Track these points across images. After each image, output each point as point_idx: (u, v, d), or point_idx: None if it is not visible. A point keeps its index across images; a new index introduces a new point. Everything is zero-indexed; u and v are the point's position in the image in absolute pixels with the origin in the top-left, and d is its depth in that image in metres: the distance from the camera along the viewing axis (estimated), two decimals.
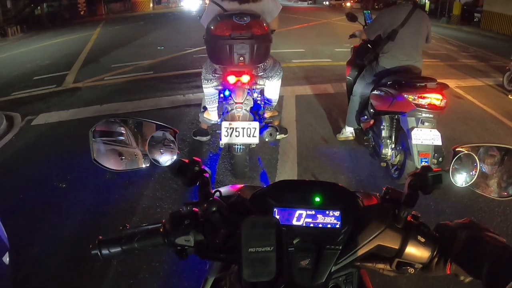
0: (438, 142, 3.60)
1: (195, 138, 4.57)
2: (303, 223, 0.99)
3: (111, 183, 4.11)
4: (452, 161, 0.98)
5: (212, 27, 3.72)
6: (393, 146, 4.07)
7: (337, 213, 0.98)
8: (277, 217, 0.98)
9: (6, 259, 2.27)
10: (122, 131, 1.10)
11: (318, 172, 4.33)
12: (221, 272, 1.13)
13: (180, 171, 1.08)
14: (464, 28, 17.93)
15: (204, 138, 4.55)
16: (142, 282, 2.86)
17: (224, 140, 3.58)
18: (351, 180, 4.20)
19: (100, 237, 0.99)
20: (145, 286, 2.83)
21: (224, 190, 1.11)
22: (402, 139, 3.92)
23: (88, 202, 3.81)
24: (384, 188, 1.07)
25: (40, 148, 5.21)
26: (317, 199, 1.01)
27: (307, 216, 0.99)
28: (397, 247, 0.95)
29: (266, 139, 3.84)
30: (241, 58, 3.63)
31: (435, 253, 0.93)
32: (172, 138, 1.07)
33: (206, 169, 1.10)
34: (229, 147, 3.79)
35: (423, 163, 3.59)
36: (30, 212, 3.67)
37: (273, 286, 0.90)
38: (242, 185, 1.16)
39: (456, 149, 1.00)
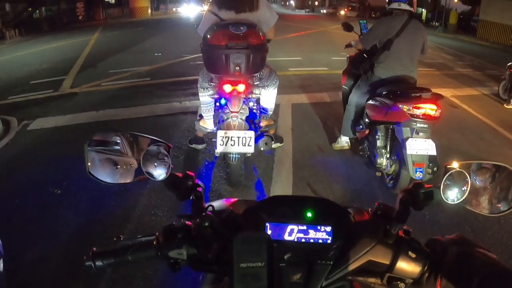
0: (433, 152, 3.61)
1: (190, 146, 4.57)
2: (294, 238, 0.99)
3: (106, 190, 4.08)
4: (443, 178, 0.99)
5: (208, 36, 3.73)
6: (388, 156, 4.08)
7: (328, 229, 0.99)
8: (269, 232, 0.99)
9: (0, 265, 2.27)
10: (118, 141, 1.11)
11: (313, 181, 4.33)
12: (214, 283, 1.13)
13: (174, 185, 1.09)
14: (460, 37, 18.04)
15: (200, 146, 4.55)
16: None
17: (219, 149, 3.58)
18: (346, 189, 4.21)
19: (94, 248, 0.99)
20: None
21: (217, 204, 1.12)
22: (397, 149, 3.93)
23: (83, 209, 3.80)
24: (376, 204, 1.07)
25: (36, 153, 5.20)
26: (309, 214, 1.01)
27: (299, 231, 0.99)
28: (388, 263, 0.95)
29: (262, 148, 3.84)
30: (237, 68, 3.64)
31: (425, 268, 0.93)
32: (166, 153, 1.08)
33: (200, 183, 1.11)
34: (225, 155, 3.79)
35: (417, 173, 3.61)
36: (25, 218, 3.65)
37: None
38: (235, 199, 1.16)
39: (448, 166, 1.01)
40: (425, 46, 4.44)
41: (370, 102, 4.24)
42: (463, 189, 1.00)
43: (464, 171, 1.00)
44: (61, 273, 3.00)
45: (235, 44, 3.59)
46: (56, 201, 3.94)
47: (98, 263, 0.98)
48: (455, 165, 1.02)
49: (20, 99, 7.62)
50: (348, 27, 5.09)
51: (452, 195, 1.01)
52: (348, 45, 5.10)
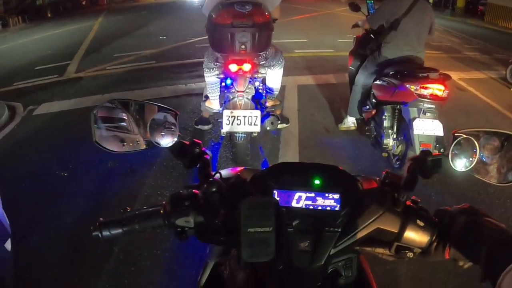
0: (440, 132, 3.59)
1: (196, 127, 4.57)
2: (302, 206, 0.99)
3: (112, 172, 4.12)
4: (451, 145, 0.98)
5: (213, 16, 3.72)
6: (394, 136, 4.07)
7: (336, 196, 0.99)
8: (277, 199, 0.99)
9: (8, 245, 2.29)
10: (123, 116, 1.11)
11: (319, 161, 4.31)
12: (221, 256, 1.13)
13: (181, 152, 1.09)
14: (468, 21, 17.77)
15: (206, 127, 4.55)
16: (143, 269, 2.87)
17: (225, 129, 3.58)
18: (352, 170, 4.15)
19: (101, 219, 1.00)
20: (146, 273, 2.84)
21: (224, 172, 1.12)
22: (404, 129, 3.91)
23: (90, 191, 3.83)
24: (384, 172, 1.07)
25: (42, 137, 5.22)
26: (317, 181, 1.01)
27: (307, 198, 0.99)
28: (396, 231, 0.95)
29: (268, 128, 3.84)
30: (243, 46, 3.63)
31: (434, 237, 0.93)
32: (174, 120, 1.08)
33: (207, 151, 1.11)
34: (231, 135, 3.79)
35: None
36: (31, 201, 3.69)
37: (272, 267, 0.91)
38: (242, 168, 1.16)
39: (456, 134, 1.00)
40: (433, 27, 4.39)
41: (377, 82, 4.22)
42: (471, 158, 0.99)
43: (473, 139, 0.98)
44: (67, 254, 3.04)
45: (240, 22, 3.57)
46: (63, 184, 3.97)
47: (105, 233, 0.98)
48: (463, 132, 1.00)
49: (25, 85, 7.62)
50: (355, 7, 5.04)
51: (460, 164, 1.00)
52: (355, 25, 5.04)
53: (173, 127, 1.07)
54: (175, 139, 1.07)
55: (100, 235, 0.98)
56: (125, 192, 3.78)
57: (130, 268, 2.88)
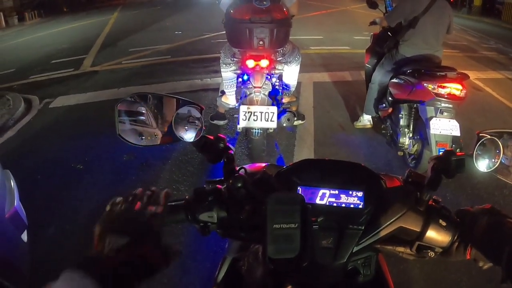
0: (457, 132, 3.55)
1: (212, 122, 4.58)
2: (326, 202, 1.00)
3: (128, 165, 4.15)
4: (475, 146, 0.98)
5: (231, 11, 3.72)
6: (410, 135, 4.04)
7: (360, 194, 0.99)
8: (303, 195, 0.99)
9: (24, 236, 2.33)
10: (143, 111, 1.10)
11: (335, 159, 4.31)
12: (240, 252, 1.13)
13: (205, 147, 1.09)
14: (485, 20, 17.55)
15: (222, 122, 4.56)
16: None
17: (242, 124, 3.59)
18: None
19: None
20: None
21: (247, 168, 1.12)
22: (420, 128, 3.88)
23: (105, 183, 3.86)
24: (407, 171, 1.07)
25: (57, 130, 5.27)
26: (341, 179, 1.01)
27: (331, 195, 1.00)
28: (418, 230, 0.95)
29: (284, 124, 3.83)
30: (261, 42, 3.63)
31: (455, 237, 0.93)
32: (199, 115, 1.07)
33: (231, 146, 1.11)
34: (247, 131, 3.79)
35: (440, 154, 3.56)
36: (47, 193, 3.73)
37: (295, 264, 0.91)
38: (266, 164, 1.16)
39: (480, 134, 1.00)
40: (451, 26, 4.34)
41: (394, 80, 4.19)
42: (494, 159, 0.98)
43: (497, 139, 0.98)
44: (82, 246, 3.04)
45: (258, 18, 3.57)
46: (78, 176, 4.01)
47: None
48: (487, 133, 1.00)
49: (41, 78, 7.69)
50: (372, 4, 5.00)
51: (484, 164, 0.99)
52: (373, 23, 5.01)
53: (197, 121, 1.07)
54: (200, 134, 1.06)
55: None
56: (140, 185, 3.74)
57: None
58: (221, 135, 1.11)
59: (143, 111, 1.10)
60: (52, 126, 5.40)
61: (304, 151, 4.45)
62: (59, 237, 3.15)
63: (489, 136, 0.99)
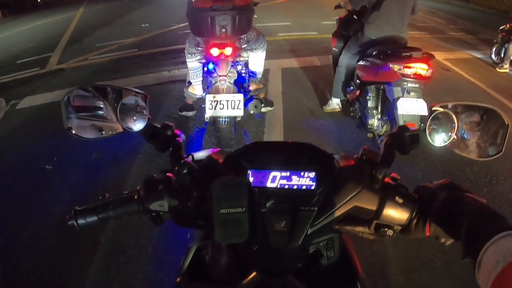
0: (424, 112, 3.58)
1: (180, 113, 4.53)
2: (277, 185, 0.98)
3: (97, 163, 4.09)
4: (428, 120, 0.95)
5: (193, 0, 3.67)
6: (379, 116, 4.07)
7: (312, 174, 0.97)
8: (251, 179, 0.97)
9: None
10: (96, 102, 1.06)
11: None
12: (203, 241, 1.11)
13: (153, 136, 1.06)
14: (452, 1, 17.82)
15: (190, 113, 4.52)
16: (131, 258, 2.87)
17: (208, 113, 3.55)
18: (338, 151, 4.19)
19: (76, 207, 0.98)
20: (134, 262, 2.84)
21: (198, 154, 1.09)
22: (388, 109, 3.91)
23: (76, 183, 3.79)
24: (361, 150, 1.04)
25: (26, 131, 5.16)
26: (292, 160, 0.99)
27: (282, 177, 0.98)
28: (374, 208, 0.93)
29: (251, 112, 3.82)
30: (223, 30, 3.59)
31: (414, 214, 0.91)
32: (144, 104, 1.04)
33: (180, 133, 1.08)
34: (214, 120, 3.75)
35: None
36: (18, 196, 3.66)
37: (248, 248, 0.89)
38: (217, 149, 1.14)
39: (433, 108, 0.97)
40: (416, 7, 4.36)
41: (361, 63, 4.21)
42: (450, 131, 0.96)
43: (451, 113, 0.96)
44: (56, 248, 3.02)
45: (220, 6, 3.54)
46: (48, 177, 3.93)
47: (81, 221, 0.97)
48: (441, 106, 0.98)
49: (7, 79, 7.50)
50: None
51: (439, 139, 0.97)
52: (338, 6, 5.02)
53: (144, 110, 1.04)
54: (146, 122, 1.04)
55: (75, 223, 0.97)
56: (111, 182, 3.75)
57: (118, 258, 2.87)
58: (169, 123, 1.08)
59: (100, 104, 1.06)
60: (20, 127, 5.28)
61: (273, 137, 4.45)
62: (32, 241, 3.09)
63: (442, 110, 0.97)
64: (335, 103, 5.02)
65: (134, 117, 1.04)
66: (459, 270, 2.66)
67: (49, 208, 3.43)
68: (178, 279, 1.04)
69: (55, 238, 3.10)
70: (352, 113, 4.60)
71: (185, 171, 0.94)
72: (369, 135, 4.20)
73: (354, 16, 4.62)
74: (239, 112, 3.53)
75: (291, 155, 1.00)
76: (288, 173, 0.97)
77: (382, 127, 4.01)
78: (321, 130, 4.71)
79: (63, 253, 2.96)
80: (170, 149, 1.05)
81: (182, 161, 0.97)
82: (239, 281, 0.94)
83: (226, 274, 0.96)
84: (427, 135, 0.96)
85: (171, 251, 2.87)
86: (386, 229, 0.94)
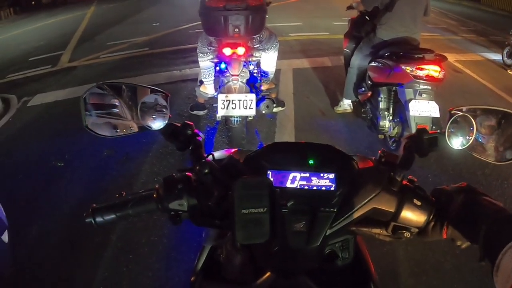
0: (436, 114, 3.58)
1: (192, 112, 4.54)
2: (297, 186, 0.98)
3: (108, 160, 4.11)
4: (448, 123, 0.96)
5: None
6: (390, 118, 4.05)
7: (332, 176, 0.97)
8: (271, 179, 0.97)
9: (5, 237, 2.28)
10: (113, 101, 1.07)
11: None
12: (217, 240, 1.12)
13: (173, 135, 1.08)
14: (464, 3, 17.71)
15: (201, 112, 4.52)
16: (141, 256, 2.88)
17: (220, 113, 3.56)
18: (349, 152, 4.18)
19: (94, 205, 0.98)
20: (144, 260, 2.84)
21: (218, 154, 1.10)
22: (400, 111, 3.90)
23: (86, 180, 3.82)
24: (379, 152, 1.05)
25: (37, 128, 5.19)
26: (312, 161, 1.00)
27: (302, 178, 0.98)
28: (392, 210, 0.93)
29: (263, 111, 3.82)
30: (236, 30, 3.60)
31: (431, 217, 0.92)
32: (164, 103, 1.05)
33: (199, 133, 1.09)
34: (226, 120, 3.76)
35: None
36: (29, 192, 3.68)
37: (267, 249, 0.90)
38: (236, 149, 1.14)
39: (452, 111, 0.98)
40: (428, 8, 4.35)
41: (373, 64, 4.19)
42: (468, 135, 0.97)
43: (469, 116, 0.96)
44: (66, 244, 3.04)
45: (233, 5, 3.54)
46: (59, 174, 3.95)
47: (98, 219, 0.96)
48: (460, 110, 0.98)
49: (19, 76, 7.55)
50: None
51: (457, 142, 0.98)
52: (350, 7, 5.00)
53: (164, 109, 1.05)
54: (166, 121, 1.04)
55: (93, 221, 0.96)
56: (121, 179, 3.77)
57: (128, 256, 2.88)
58: (188, 122, 1.09)
59: (115, 102, 1.07)
60: (31, 124, 5.32)
61: (284, 138, 4.45)
62: (42, 236, 3.11)
63: (461, 113, 0.97)
64: (346, 104, 5.01)
65: (154, 116, 1.04)
66: (469, 273, 2.64)
67: (60, 204, 3.46)
68: (192, 278, 1.05)
69: (66, 234, 3.12)
70: (364, 114, 4.59)
71: (206, 171, 0.95)
72: (380, 136, 4.18)
73: (366, 17, 4.61)
74: (251, 112, 3.54)
75: (311, 156, 1.00)
76: (307, 174, 0.98)
77: (393, 129, 3.99)
78: (332, 131, 4.70)
79: (73, 249, 2.98)
80: (190, 148, 1.06)
81: (203, 160, 0.98)
82: (253, 281, 0.94)
83: (240, 274, 0.96)
84: (446, 138, 0.96)
85: (181, 250, 2.87)
86: (403, 231, 0.94)
